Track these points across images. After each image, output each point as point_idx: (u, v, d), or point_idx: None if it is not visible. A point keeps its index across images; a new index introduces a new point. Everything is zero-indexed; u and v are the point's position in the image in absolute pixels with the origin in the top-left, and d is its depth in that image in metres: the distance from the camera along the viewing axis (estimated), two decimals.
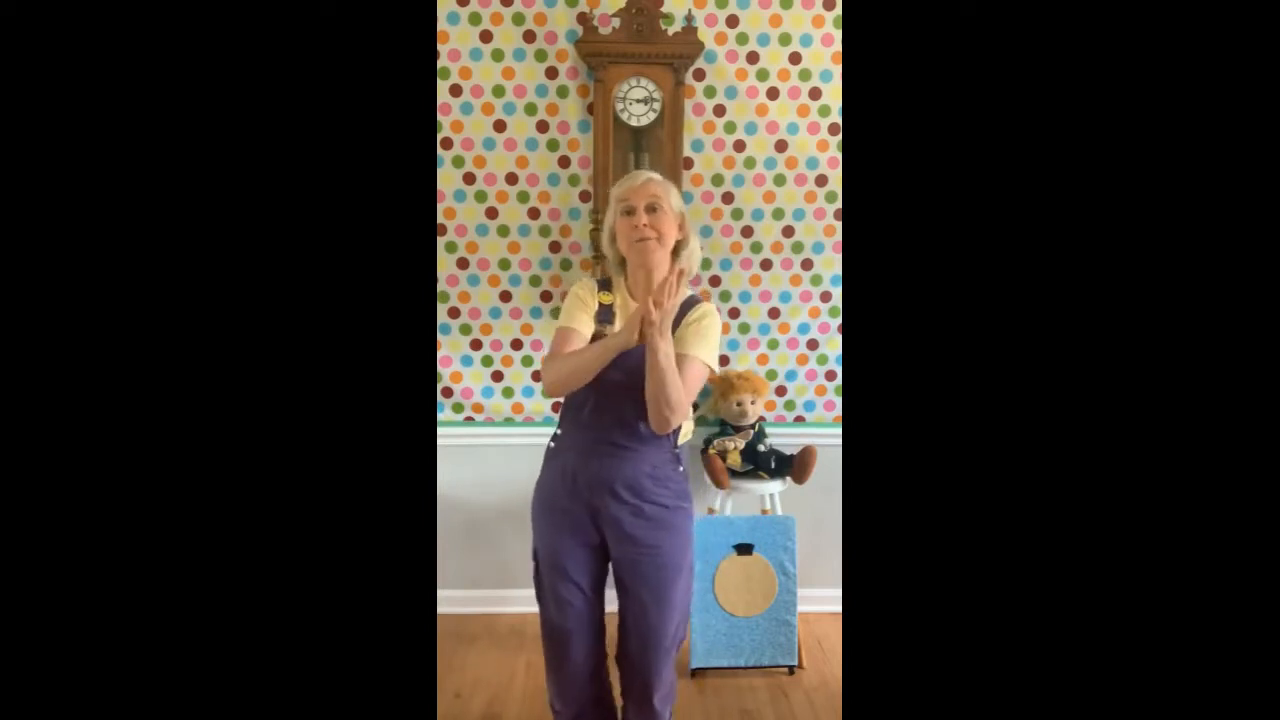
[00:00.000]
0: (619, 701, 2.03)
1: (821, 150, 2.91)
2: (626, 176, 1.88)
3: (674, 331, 1.79)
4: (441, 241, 2.91)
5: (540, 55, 2.82)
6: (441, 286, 2.94)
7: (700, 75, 2.85)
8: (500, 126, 2.86)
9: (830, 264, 2.97)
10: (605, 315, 1.86)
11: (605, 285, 1.91)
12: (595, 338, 1.81)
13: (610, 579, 1.92)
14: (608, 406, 1.80)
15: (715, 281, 2.97)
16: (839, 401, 3.07)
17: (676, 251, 1.87)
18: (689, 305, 1.86)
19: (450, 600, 3.06)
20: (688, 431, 1.93)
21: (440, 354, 2.97)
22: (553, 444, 1.92)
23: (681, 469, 1.90)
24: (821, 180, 2.93)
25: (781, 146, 2.90)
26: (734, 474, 2.73)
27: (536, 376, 3.00)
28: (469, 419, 3.02)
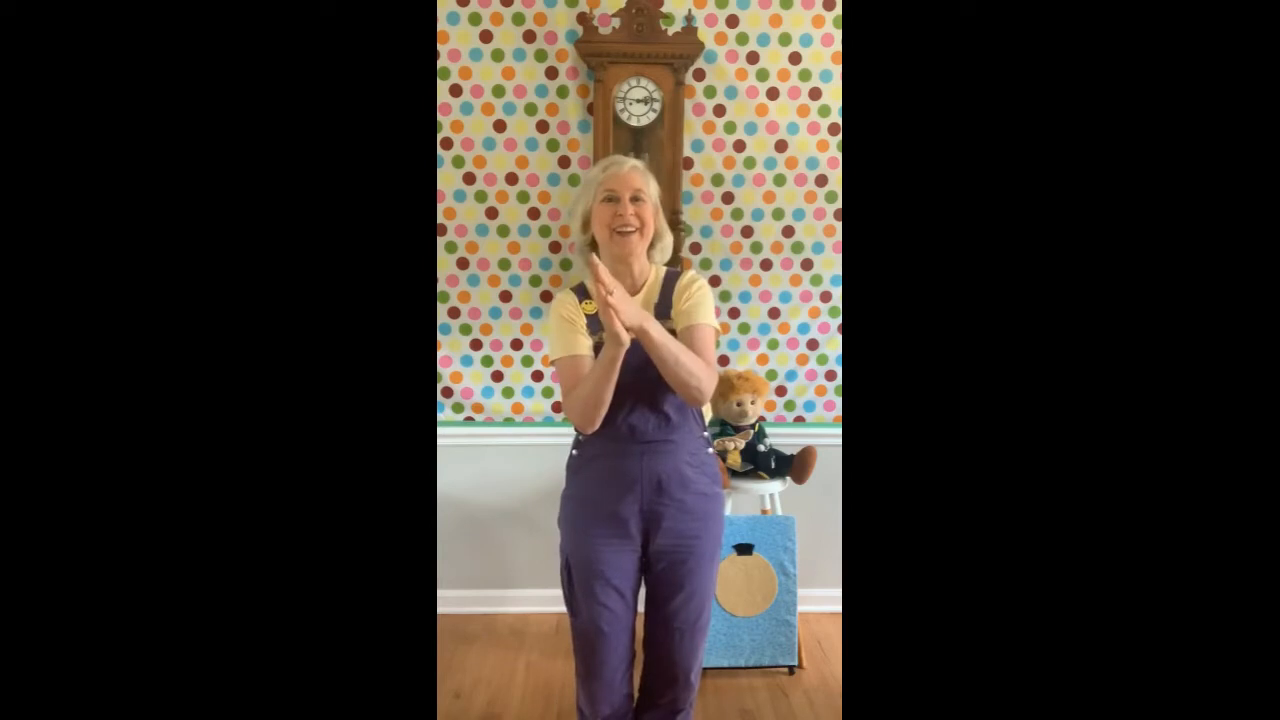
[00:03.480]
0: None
1: (821, 150, 2.91)
2: (607, 161, 1.84)
3: (670, 309, 1.80)
4: (441, 241, 2.91)
5: (540, 55, 2.82)
6: (441, 286, 2.94)
7: (700, 75, 2.85)
8: (500, 126, 2.86)
9: (830, 264, 2.98)
10: (595, 325, 1.80)
11: (582, 292, 1.85)
12: (597, 348, 1.77)
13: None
14: (631, 409, 1.78)
15: (715, 281, 2.97)
16: (839, 401, 3.07)
17: (652, 244, 1.84)
18: (673, 279, 1.84)
19: (450, 600, 3.06)
20: (709, 412, 1.93)
21: (440, 354, 2.97)
22: (576, 453, 1.89)
23: (711, 451, 1.91)
24: (821, 180, 2.93)
25: (781, 146, 2.90)
26: (734, 474, 2.73)
27: (537, 376, 3.01)
28: (469, 419, 3.02)
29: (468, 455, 3.01)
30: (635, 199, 1.77)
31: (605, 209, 1.78)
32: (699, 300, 1.79)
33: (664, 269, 1.88)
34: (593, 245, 1.86)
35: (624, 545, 1.83)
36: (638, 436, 1.80)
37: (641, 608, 1.93)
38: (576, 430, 1.84)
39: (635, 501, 1.81)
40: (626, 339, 1.60)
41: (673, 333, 1.76)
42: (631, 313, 1.59)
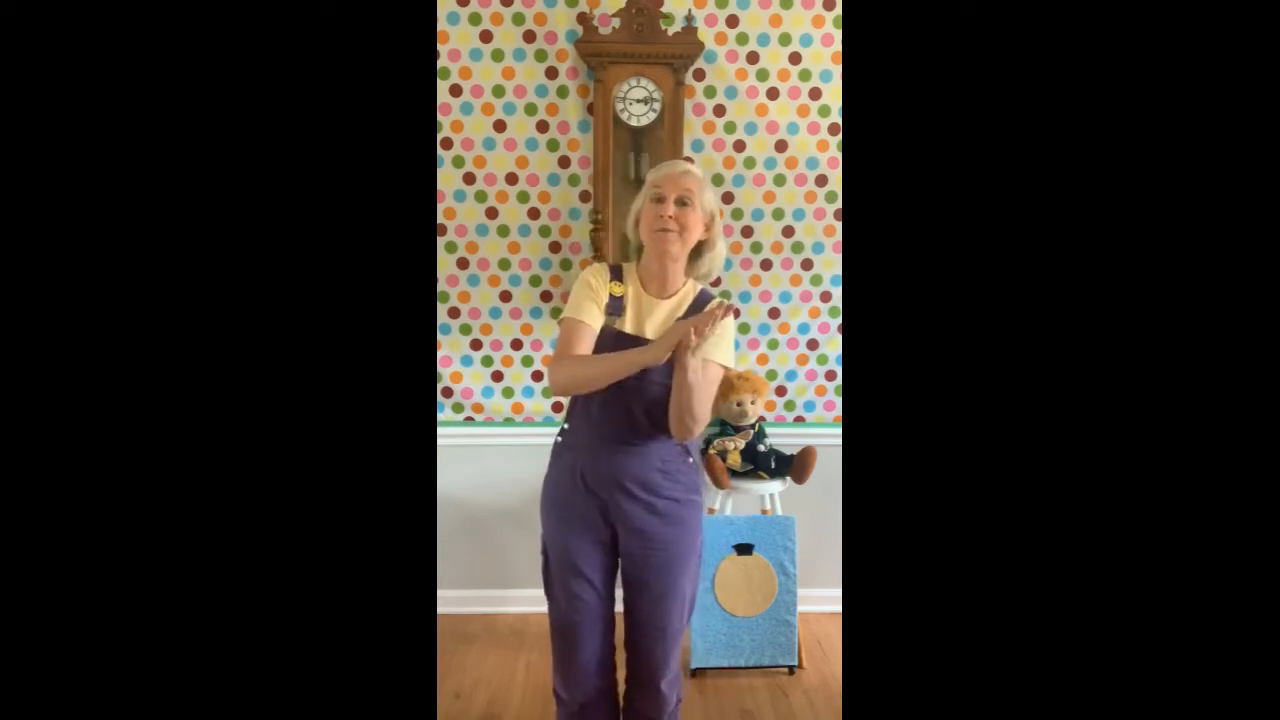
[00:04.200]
0: (622, 685, 2.02)
1: (821, 150, 2.91)
2: (667, 163, 1.86)
3: None
4: (441, 241, 2.91)
5: (540, 55, 2.82)
6: (441, 286, 2.94)
7: (700, 75, 2.85)
8: (500, 126, 2.86)
9: (830, 264, 2.98)
10: (615, 307, 1.82)
11: (616, 273, 1.86)
12: (604, 329, 1.79)
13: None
14: (619, 404, 1.78)
15: (715, 282, 2.96)
16: (839, 401, 3.07)
17: (700, 252, 1.85)
18: (704, 300, 1.84)
19: (450, 600, 3.06)
20: None
21: (440, 354, 2.97)
22: (560, 439, 1.91)
23: (691, 460, 1.90)
24: (821, 180, 2.93)
25: (781, 146, 2.90)
26: (734, 474, 2.73)
27: (537, 376, 3.00)
28: (469, 419, 3.02)
29: (468, 455, 3.01)
30: (681, 202, 1.77)
31: (651, 209, 1.78)
32: (721, 335, 1.79)
33: (699, 287, 1.88)
34: (640, 249, 1.86)
35: (595, 537, 1.84)
36: (616, 433, 1.80)
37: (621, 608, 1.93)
38: (550, 388, 1.84)
39: (595, 496, 1.82)
40: (664, 359, 1.62)
41: None
42: (699, 347, 1.61)
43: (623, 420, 1.79)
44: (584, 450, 1.83)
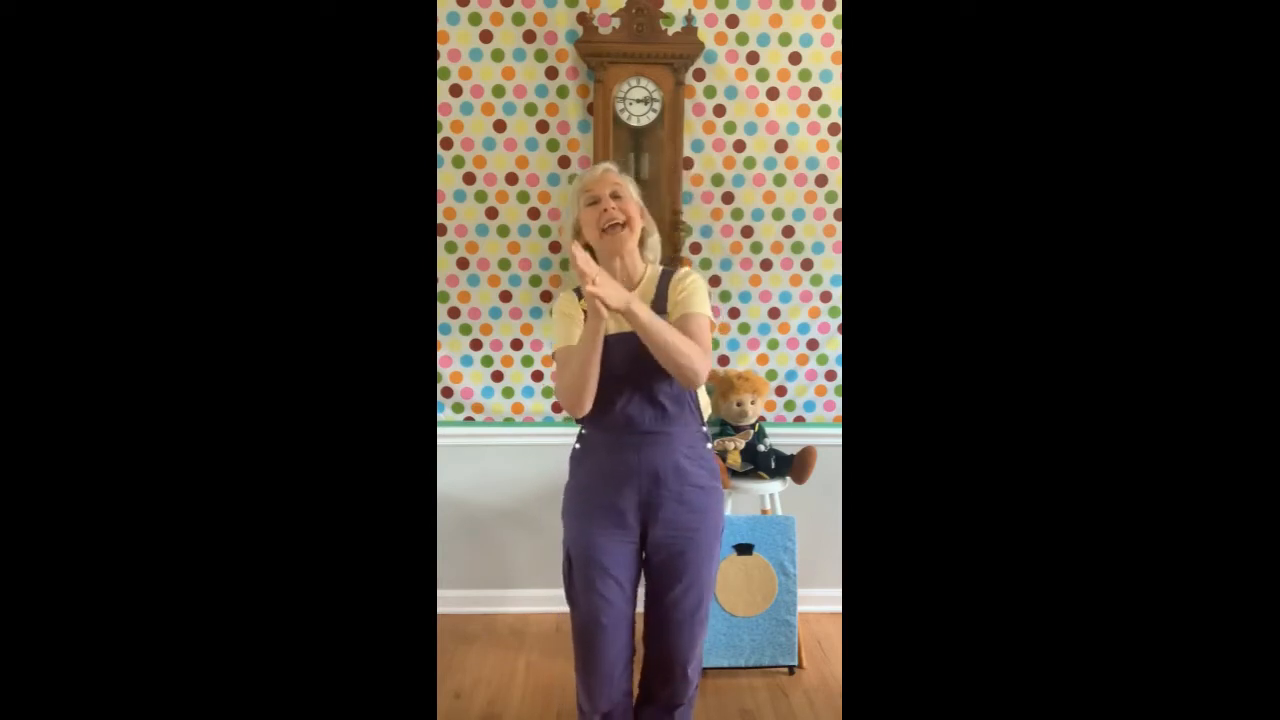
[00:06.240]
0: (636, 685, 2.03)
1: (821, 150, 2.91)
2: (582, 173, 1.92)
3: (666, 303, 1.85)
4: (441, 241, 2.91)
5: (540, 55, 2.82)
6: (441, 286, 2.94)
7: (700, 75, 2.85)
8: (500, 126, 2.86)
9: (830, 264, 2.98)
10: None
11: (579, 293, 1.90)
12: None
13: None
14: (626, 401, 1.82)
15: (715, 281, 2.96)
16: (839, 401, 3.07)
17: (642, 240, 1.90)
18: (668, 276, 1.90)
19: (450, 600, 3.06)
20: (706, 404, 1.96)
21: (440, 354, 2.97)
22: (579, 446, 1.94)
23: (709, 445, 1.94)
24: (821, 180, 2.93)
25: (781, 146, 2.90)
26: (734, 474, 2.73)
27: (537, 377, 3.00)
28: (469, 419, 3.02)
29: (468, 455, 3.01)
30: (615, 195, 1.84)
31: (590, 212, 1.85)
32: (693, 291, 1.85)
33: (660, 267, 1.94)
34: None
35: (623, 536, 1.86)
36: (634, 428, 1.83)
37: (641, 607, 1.94)
38: (569, 414, 1.88)
39: (634, 493, 1.84)
40: (605, 311, 1.65)
41: None
42: (616, 295, 1.63)
43: (638, 414, 1.83)
44: (609, 451, 1.86)
